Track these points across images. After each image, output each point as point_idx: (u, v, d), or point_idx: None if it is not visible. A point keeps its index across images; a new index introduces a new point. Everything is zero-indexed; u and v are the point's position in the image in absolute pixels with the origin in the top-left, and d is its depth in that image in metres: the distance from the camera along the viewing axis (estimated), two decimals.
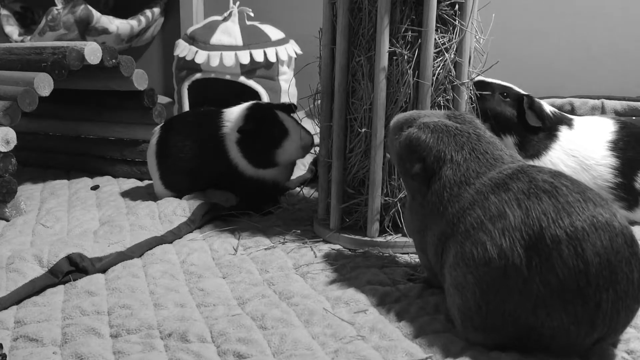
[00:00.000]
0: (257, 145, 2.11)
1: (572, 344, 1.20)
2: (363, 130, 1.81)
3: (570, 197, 1.21)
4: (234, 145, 2.14)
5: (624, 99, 3.05)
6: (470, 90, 1.87)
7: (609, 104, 3.05)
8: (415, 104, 1.77)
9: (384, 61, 1.74)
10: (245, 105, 2.21)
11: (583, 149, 1.99)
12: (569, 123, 2.06)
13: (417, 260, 1.75)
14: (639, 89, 3.11)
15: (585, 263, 1.15)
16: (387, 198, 1.84)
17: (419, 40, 1.74)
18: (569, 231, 1.16)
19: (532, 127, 2.02)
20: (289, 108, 2.19)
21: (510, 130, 2.04)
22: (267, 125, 2.10)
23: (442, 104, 1.80)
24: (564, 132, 2.03)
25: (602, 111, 3.05)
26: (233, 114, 2.19)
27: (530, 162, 2.00)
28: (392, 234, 1.85)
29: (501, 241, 1.21)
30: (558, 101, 3.05)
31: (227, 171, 2.17)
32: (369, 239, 1.83)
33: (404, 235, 1.83)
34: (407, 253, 1.81)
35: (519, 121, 2.03)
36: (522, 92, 2.08)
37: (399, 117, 1.54)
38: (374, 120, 1.78)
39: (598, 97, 3.08)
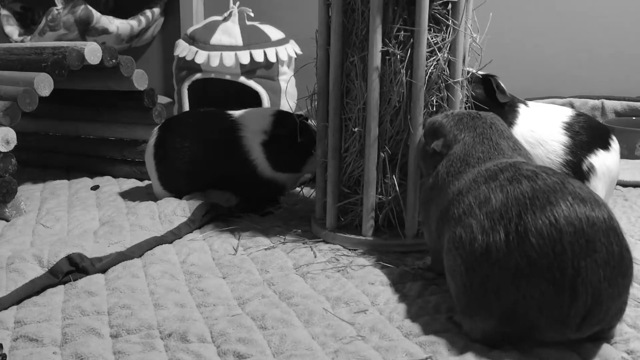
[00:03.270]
0: (290, 150, 2.12)
1: (558, 317, 1.21)
2: (356, 129, 1.82)
3: (549, 180, 1.27)
4: (257, 147, 2.14)
5: (624, 99, 3.05)
6: (465, 89, 1.87)
7: (609, 104, 3.05)
8: (408, 103, 1.78)
9: (377, 61, 1.74)
10: (269, 110, 2.24)
11: (540, 125, 2.07)
12: (524, 102, 2.13)
13: (416, 261, 1.76)
14: (639, 89, 3.11)
15: (559, 231, 1.19)
16: (381, 197, 1.84)
17: (412, 40, 1.75)
18: (544, 205, 1.22)
19: (500, 104, 2.07)
20: (306, 120, 2.21)
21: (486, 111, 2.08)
22: (304, 134, 2.11)
23: (435, 102, 1.80)
24: (522, 108, 2.09)
25: (602, 111, 3.05)
26: (252, 116, 2.19)
27: None
28: (387, 233, 1.86)
29: (484, 222, 1.27)
30: (558, 101, 3.05)
31: (241, 172, 2.16)
32: (363, 237, 1.84)
33: (398, 234, 1.84)
34: (406, 252, 1.81)
35: (489, 100, 2.07)
36: (481, 73, 2.11)
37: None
38: (367, 120, 1.78)
39: (598, 97, 3.08)
